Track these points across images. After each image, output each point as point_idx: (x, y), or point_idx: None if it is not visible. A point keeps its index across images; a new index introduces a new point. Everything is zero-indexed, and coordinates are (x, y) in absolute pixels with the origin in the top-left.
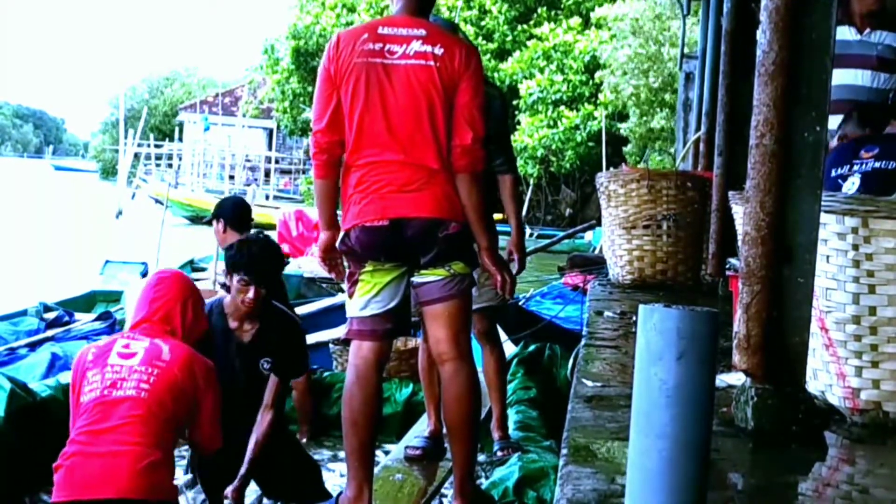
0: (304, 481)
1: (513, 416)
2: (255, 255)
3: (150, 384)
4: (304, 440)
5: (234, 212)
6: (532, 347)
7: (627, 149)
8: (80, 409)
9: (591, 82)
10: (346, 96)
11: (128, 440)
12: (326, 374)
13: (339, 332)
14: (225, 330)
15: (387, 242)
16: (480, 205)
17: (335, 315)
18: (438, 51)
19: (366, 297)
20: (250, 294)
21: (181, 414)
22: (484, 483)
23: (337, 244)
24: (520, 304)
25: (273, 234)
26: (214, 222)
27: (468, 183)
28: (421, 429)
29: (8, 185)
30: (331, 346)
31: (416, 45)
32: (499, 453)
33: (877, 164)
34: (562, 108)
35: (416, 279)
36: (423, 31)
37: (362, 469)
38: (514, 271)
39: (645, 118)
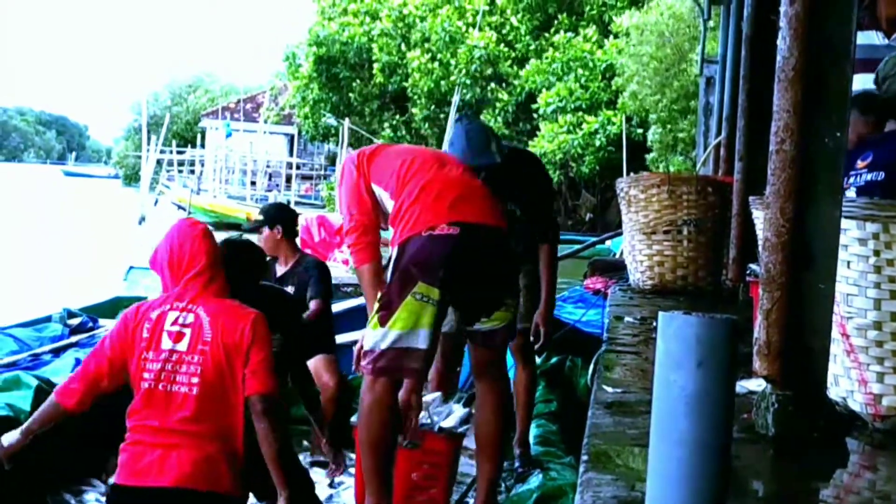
0: (295, 489)
1: (533, 429)
2: None
3: (199, 376)
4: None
5: (292, 219)
6: (554, 360)
7: (650, 156)
8: (139, 396)
9: (609, 88)
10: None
11: (186, 435)
12: (350, 377)
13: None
14: None
15: (454, 253)
16: None
17: (359, 317)
18: None
19: (398, 331)
20: None
21: (237, 386)
22: (503, 497)
23: (388, 261)
24: None
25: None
26: (267, 228)
27: None
28: None
29: (26, 192)
30: (354, 348)
31: None
32: (519, 469)
33: (869, 177)
34: (580, 113)
35: (480, 327)
36: None
37: (382, 487)
38: (537, 345)
39: (669, 126)
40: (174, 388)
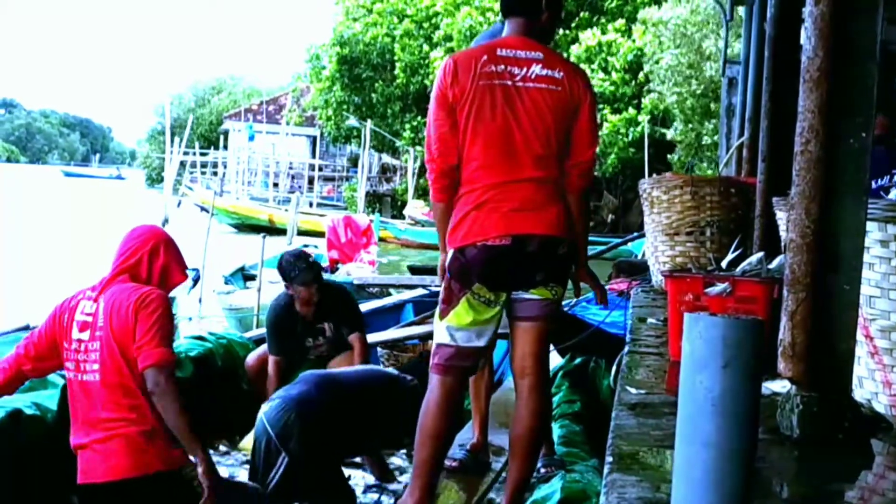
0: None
1: (557, 430)
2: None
3: (99, 363)
4: None
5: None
6: (578, 360)
7: (674, 157)
8: (69, 392)
9: (633, 83)
10: (467, 119)
11: (112, 427)
12: None
13: (388, 334)
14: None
15: (506, 262)
16: (587, 223)
17: (383, 317)
18: (559, 75)
19: (452, 325)
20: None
21: (134, 367)
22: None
23: (447, 262)
24: (566, 309)
25: (321, 241)
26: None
27: (581, 202)
28: (467, 437)
29: (51, 195)
30: (378, 349)
31: (537, 69)
32: (542, 470)
33: None
34: (605, 110)
35: (520, 293)
36: (540, 55)
37: (429, 480)
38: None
39: (691, 125)
40: (86, 378)
